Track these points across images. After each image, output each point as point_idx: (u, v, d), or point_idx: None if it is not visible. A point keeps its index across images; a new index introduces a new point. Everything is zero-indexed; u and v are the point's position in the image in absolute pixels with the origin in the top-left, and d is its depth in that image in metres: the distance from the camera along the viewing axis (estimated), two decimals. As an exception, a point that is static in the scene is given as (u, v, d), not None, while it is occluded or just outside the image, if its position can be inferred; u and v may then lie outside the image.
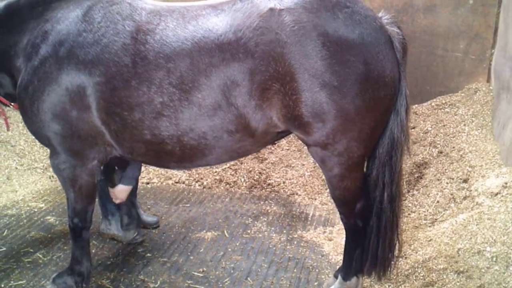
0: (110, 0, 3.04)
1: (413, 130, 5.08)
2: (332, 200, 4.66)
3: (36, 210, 4.65)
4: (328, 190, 4.91)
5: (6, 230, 4.28)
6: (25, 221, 4.45)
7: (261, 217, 4.57)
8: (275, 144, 5.88)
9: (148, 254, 3.96)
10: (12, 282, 3.57)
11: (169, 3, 3.10)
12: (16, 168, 5.35)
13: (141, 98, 2.84)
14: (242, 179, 5.27)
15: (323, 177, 5.16)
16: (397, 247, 3.21)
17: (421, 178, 4.61)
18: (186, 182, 5.26)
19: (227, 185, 5.20)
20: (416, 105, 5.40)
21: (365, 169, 3.10)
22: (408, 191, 4.53)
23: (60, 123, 3.02)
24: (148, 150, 3.03)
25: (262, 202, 4.86)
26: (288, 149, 5.72)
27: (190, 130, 2.88)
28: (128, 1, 3.04)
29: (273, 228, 4.38)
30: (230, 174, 5.33)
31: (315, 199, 4.91)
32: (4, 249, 4.00)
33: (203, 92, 2.78)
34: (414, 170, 4.69)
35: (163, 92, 2.81)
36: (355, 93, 2.70)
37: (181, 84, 2.79)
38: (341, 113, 2.73)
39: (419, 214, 4.17)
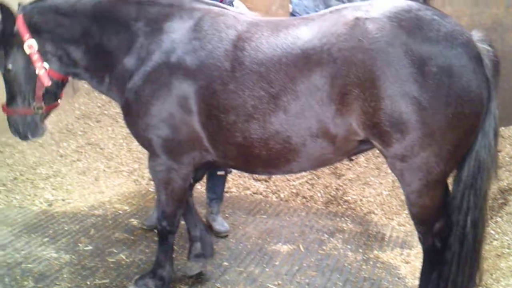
0: (218, 12, 3.24)
1: (498, 154, 4.92)
2: (410, 222, 4.65)
3: (121, 212, 4.89)
4: (406, 211, 4.89)
5: (92, 230, 4.52)
6: (110, 222, 4.68)
7: (337, 234, 4.58)
8: (353, 160, 5.88)
9: (225, 263, 4.07)
10: (96, 280, 3.77)
11: (270, 18, 3.34)
12: (104, 170, 5.63)
13: (236, 101, 3.00)
14: (319, 194, 5.30)
15: (402, 197, 5.11)
16: (477, 276, 3.13)
17: (505, 204, 4.47)
18: (264, 193, 5.35)
19: (304, 199, 5.24)
20: (503, 128, 5.24)
21: (447, 189, 3.06)
22: (491, 218, 4.39)
23: (165, 127, 3.19)
24: (239, 153, 3.17)
25: (338, 219, 4.87)
26: (366, 166, 5.70)
27: (276, 134, 2.99)
28: (232, 14, 3.24)
29: (349, 246, 4.38)
30: (307, 188, 5.37)
31: (393, 219, 4.86)
32: (91, 247, 4.23)
33: (288, 96, 2.91)
34: (498, 196, 4.56)
35: (254, 96, 2.97)
36: (436, 105, 2.68)
37: (270, 88, 2.94)
38: (421, 125, 2.72)
39: (502, 242, 4.04)
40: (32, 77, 3.40)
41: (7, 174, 5.32)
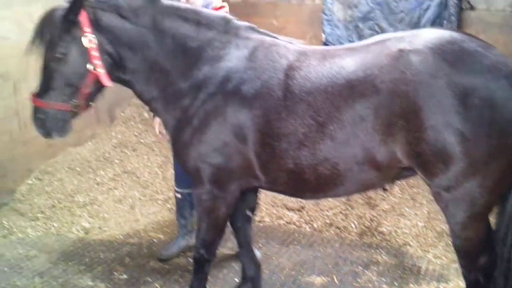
0: (271, 42, 3.32)
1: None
2: (447, 255, 4.57)
3: (155, 240, 4.94)
4: (442, 244, 4.82)
5: (127, 258, 4.58)
6: (145, 250, 4.73)
7: (372, 266, 4.53)
8: (387, 190, 5.82)
9: (259, 295, 4.06)
10: (132, 309, 3.82)
11: (316, 46, 3.48)
12: (139, 198, 5.71)
13: (288, 129, 3.08)
14: (353, 225, 5.25)
15: (438, 229, 5.04)
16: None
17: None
18: (297, 223, 5.33)
19: (337, 230, 5.20)
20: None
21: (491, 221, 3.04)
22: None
23: (217, 155, 3.22)
24: (289, 179, 3.22)
25: (372, 250, 4.81)
26: (401, 197, 5.64)
27: (325, 160, 3.05)
28: (283, 44, 3.32)
29: (383, 279, 4.32)
30: (341, 219, 5.34)
31: (429, 251, 4.77)
32: (125, 276, 4.29)
33: (335, 125, 2.99)
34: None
35: (304, 124, 3.04)
36: (479, 137, 2.70)
37: (317, 117, 3.02)
38: (464, 156, 2.73)
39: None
40: (83, 72, 3.23)
41: (45, 201, 5.46)
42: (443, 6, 6.79)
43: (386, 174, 3.08)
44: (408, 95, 2.79)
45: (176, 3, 3.44)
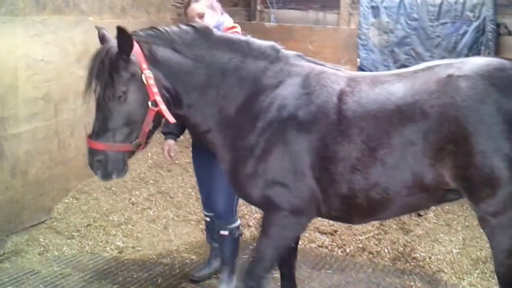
0: (321, 69, 3.35)
1: None
2: (482, 282, 4.46)
3: (188, 261, 4.97)
4: (478, 271, 4.71)
5: (160, 278, 4.62)
6: (177, 271, 4.77)
7: (405, 293, 4.46)
8: (421, 215, 5.74)
9: (290, 318, 4.02)
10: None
11: (363, 72, 3.53)
12: (173, 218, 5.78)
13: (343, 153, 3.09)
14: (386, 250, 5.18)
15: (473, 256, 4.94)
16: None
17: None
18: (329, 247, 5.29)
19: (370, 255, 5.14)
20: None
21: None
22: None
23: (284, 182, 3.17)
24: (342, 204, 3.22)
25: (406, 277, 4.73)
26: (435, 223, 5.55)
27: (376, 185, 3.08)
28: (332, 71, 3.36)
29: (416, 306, 4.25)
30: (374, 244, 5.28)
31: (463, 279, 4.66)
32: (157, 297, 4.33)
33: (385, 150, 3.01)
34: None
35: (357, 148, 3.07)
36: None
37: (369, 141, 3.04)
38: None
39: None
40: (144, 110, 3.11)
41: (81, 220, 5.56)
42: (481, 31, 6.75)
43: (433, 196, 3.12)
44: (457, 120, 2.83)
45: (226, 35, 3.44)
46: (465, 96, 2.83)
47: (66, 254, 5.01)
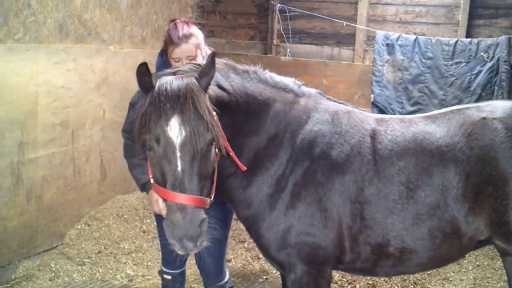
0: (348, 108, 3.26)
1: None
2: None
3: (197, 292, 4.96)
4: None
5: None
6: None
7: (415, 332, 4.41)
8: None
9: None
10: None
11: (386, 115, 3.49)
12: (183, 248, 5.77)
13: (380, 195, 2.95)
14: (396, 287, 5.14)
15: None
16: None
17: None
18: (339, 282, 5.26)
19: (380, 292, 5.10)
20: None
21: None
22: None
23: (311, 230, 2.94)
24: (372, 253, 3.01)
25: (416, 315, 4.69)
26: (447, 262, 5.50)
27: (412, 229, 2.94)
28: (358, 111, 3.28)
29: None
30: (384, 280, 5.23)
31: (475, 320, 4.63)
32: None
33: (425, 191, 2.93)
34: None
35: (395, 190, 2.95)
36: None
37: (408, 182, 2.96)
38: None
39: None
40: (214, 159, 2.72)
41: (92, 247, 5.59)
42: (494, 72, 6.80)
43: (465, 247, 3.03)
44: (498, 162, 2.84)
45: (248, 66, 3.13)
46: (504, 138, 2.86)
47: (76, 280, 5.03)
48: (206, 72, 2.64)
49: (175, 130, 2.51)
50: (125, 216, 6.21)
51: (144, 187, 3.44)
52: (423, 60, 7.15)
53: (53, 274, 5.09)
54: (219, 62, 2.95)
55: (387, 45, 7.39)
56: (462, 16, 7.26)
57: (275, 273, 5.19)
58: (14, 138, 5.00)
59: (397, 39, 7.33)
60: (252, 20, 8.47)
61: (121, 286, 4.98)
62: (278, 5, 8.08)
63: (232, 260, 5.51)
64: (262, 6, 8.39)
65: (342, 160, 2.99)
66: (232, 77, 2.98)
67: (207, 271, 3.76)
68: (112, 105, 6.19)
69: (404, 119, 3.21)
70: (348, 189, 2.95)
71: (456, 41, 7.02)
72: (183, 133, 2.51)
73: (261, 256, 5.61)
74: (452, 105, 6.83)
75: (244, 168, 2.88)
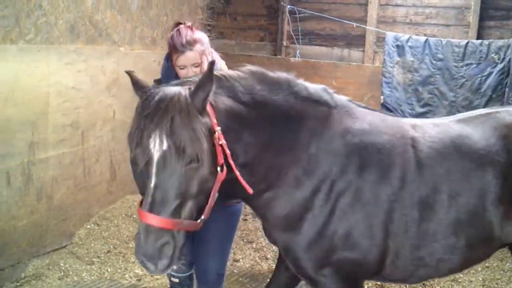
0: (382, 116, 3.11)
1: None
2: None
3: (205, 292, 4.96)
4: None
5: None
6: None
7: (423, 334, 4.39)
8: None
9: None
10: None
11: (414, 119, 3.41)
12: (192, 249, 5.78)
13: (423, 207, 2.86)
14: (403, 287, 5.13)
15: None
16: None
17: None
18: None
19: (389, 293, 5.09)
20: None
21: None
22: None
23: (354, 245, 2.81)
24: (411, 265, 2.93)
25: (424, 318, 4.67)
26: (456, 264, 5.47)
27: (452, 238, 2.88)
28: (391, 117, 3.17)
29: None
30: (393, 283, 5.22)
31: (483, 321, 4.60)
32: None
33: (466, 198, 2.88)
34: None
35: (438, 199, 2.88)
36: None
37: (450, 190, 2.89)
38: None
39: None
40: (212, 177, 2.49)
41: (101, 246, 5.63)
42: (505, 73, 6.76)
43: (491, 252, 3.04)
44: None
45: (281, 75, 2.91)
46: None
47: (85, 280, 5.06)
48: (202, 84, 2.43)
49: (151, 144, 2.36)
50: (134, 216, 6.23)
51: None
52: (433, 62, 7.12)
53: (62, 273, 5.12)
54: (245, 70, 2.78)
55: (397, 46, 7.37)
56: (472, 18, 7.23)
57: (283, 274, 5.18)
58: (25, 138, 5.04)
59: (407, 41, 7.31)
60: (262, 21, 8.50)
61: (130, 285, 5.01)
62: (288, 6, 8.10)
63: (241, 260, 5.52)
64: (272, 7, 8.42)
65: (386, 172, 2.83)
66: (257, 88, 2.74)
67: (208, 278, 3.53)
68: (122, 106, 6.22)
69: (437, 123, 3.14)
70: (393, 203, 2.82)
71: (467, 43, 6.99)
72: (159, 149, 2.35)
73: (269, 256, 5.63)
74: (463, 107, 6.84)
75: (251, 191, 2.62)
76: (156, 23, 7.06)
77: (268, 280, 5.02)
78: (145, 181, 2.42)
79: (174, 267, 2.42)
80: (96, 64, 5.89)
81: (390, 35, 7.44)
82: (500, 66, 6.77)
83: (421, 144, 2.94)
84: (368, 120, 2.97)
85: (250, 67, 2.83)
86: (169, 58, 3.33)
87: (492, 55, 6.83)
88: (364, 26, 7.75)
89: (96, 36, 5.94)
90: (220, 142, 2.47)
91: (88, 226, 5.94)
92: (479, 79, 6.85)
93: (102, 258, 5.44)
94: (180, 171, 2.35)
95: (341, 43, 8.07)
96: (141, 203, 2.44)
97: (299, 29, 8.19)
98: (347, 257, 2.82)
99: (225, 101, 2.61)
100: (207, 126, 2.45)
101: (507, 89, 6.73)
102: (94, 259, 5.41)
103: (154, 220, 2.31)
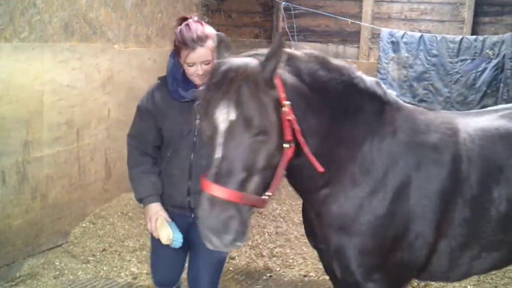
0: (422, 111, 3.01)
1: None
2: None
3: (201, 289, 4.96)
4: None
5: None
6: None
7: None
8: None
9: None
10: None
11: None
12: (188, 246, 5.78)
13: (475, 206, 2.82)
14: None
15: None
16: None
17: None
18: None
19: None
20: None
21: None
22: None
23: (411, 250, 2.73)
24: (452, 259, 2.88)
25: (420, 314, 4.68)
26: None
27: (499, 234, 2.86)
28: (432, 113, 3.07)
29: None
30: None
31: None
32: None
33: (503, 190, 2.84)
34: None
35: (488, 197, 2.84)
36: None
37: (491, 184, 2.84)
38: None
39: None
40: (279, 152, 2.36)
41: (97, 245, 5.61)
42: (500, 69, 6.78)
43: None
44: None
45: (342, 64, 2.75)
46: None
47: (80, 278, 5.05)
48: (272, 55, 2.31)
49: (218, 114, 2.26)
50: (130, 214, 6.23)
51: (142, 201, 3.21)
52: (428, 58, 7.14)
53: (57, 272, 5.10)
54: (311, 54, 2.64)
55: (392, 42, 7.39)
56: (467, 14, 7.26)
57: (279, 270, 5.20)
58: (20, 137, 5.02)
59: (402, 37, 7.33)
60: (257, 18, 8.50)
61: (125, 284, 5.00)
62: (283, 3, 8.09)
63: (236, 257, 5.52)
64: (267, 4, 8.41)
65: (440, 172, 2.75)
66: (319, 73, 2.59)
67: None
68: (117, 104, 6.20)
69: (482, 119, 3.06)
70: (447, 203, 2.74)
71: (462, 39, 7.02)
72: (226, 119, 2.24)
73: (264, 253, 5.63)
74: (457, 102, 6.87)
75: (321, 169, 2.50)
76: (151, 21, 7.04)
77: (264, 277, 5.08)
78: (209, 152, 2.34)
79: (238, 243, 2.26)
80: (90, 62, 5.86)
81: (385, 31, 7.45)
82: (494, 61, 6.79)
83: (471, 142, 2.85)
84: (418, 117, 2.86)
85: (312, 51, 2.69)
86: (175, 55, 3.11)
87: (487, 50, 6.86)
88: (359, 23, 7.76)
89: (90, 34, 5.92)
90: (288, 117, 2.34)
91: (84, 225, 5.92)
92: (474, 74, 6.88)
93: (98, 256, 5.43)
94: (247, 142, 2.24)
95: (336, 39, 8.08)
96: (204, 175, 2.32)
97: (294, 25, 8.19)
98: (400, 258, 2.72)
99: (292, 80, 2.49)
100: (275, 99, 2.33)
101: (501, 85, 6.76)
102: (90, 258, 5.40)
103: (220, 191, 2.20)
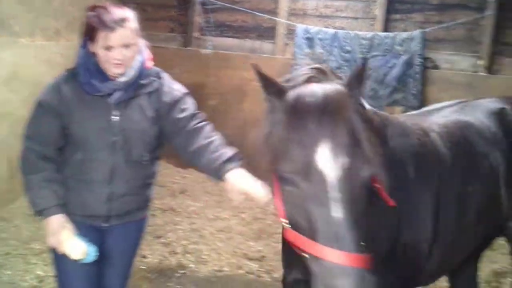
0: (404, 119, 2.99)
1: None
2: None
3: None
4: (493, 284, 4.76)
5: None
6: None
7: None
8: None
9: None
10: None
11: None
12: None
13: (469, 194, 2.91)
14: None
15: (486, 269, 4.96)
16: None
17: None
18: (257, 273, 5.25)
19: (298, 282, 5.13)
20: None
21: None
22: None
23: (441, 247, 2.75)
24: (454, 255, 2.97)
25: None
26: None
27: (478, 225, 2.98)
28: (402, 117, 3.21)
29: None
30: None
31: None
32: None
33: (485, 185, 3.02)
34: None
35: (471, 186, 2.93)
36: None
37: (465, 181, 2.92)
38: None
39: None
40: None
41: (0, 248, 5.32)
42: (409, 65, 6.99)
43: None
44: None
45: None
46: None
47: (-19, 284, 4.77)
48: (357, 79, 1.96)
49: (328, 160, 1.81)
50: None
51: (41, 213, 2.83)
52: (342, 54, 7.27)
53: (-45, 278, 4.81)
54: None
55: (307, 38, 7.47)
56: (379, 11, 7.44)
57: (193, 267, 5.12)
58: None
59: (317, 33, 7.42)
60: (172, 12, 8.35)
61: (31, 287, 4.77)
62: (199, -3, 8.01)
63: (149, 256, 5.39)
64: (183, -2, 8.29)
65: (427, 174, 2.69)
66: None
67: None
68: (21, 100, 5.90)
69: (442, 115, 3.19)
70: (437, 204, 2.71)
71: (373, 36, 7.18)
72: (340, 165, 1.82)
73: (178, 250, 5.53)
74: (369, 97, 7.02)
75: (393, 203, 2.19)
76: (61, 14, 6.76)
77: (177, 274, 4.99)
78: (310, 208, 1.83)
79: None
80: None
81: (300, 28, 7.52)
82: (404, 58, 7.00)
83: (441, 138, 2.87)
84: (393, 122, 2.74)
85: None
86: (86, 45, 2.81)
87: (397, 47, 7.06)
88: (275, 18, 7.79)
89: (-8, 27, 5.62)
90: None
91: (-14, 228, 5.61)
92: (384, 70, 7.06)
93: (0, 261, 5.14)
94: (362, 192, 1.86)
95: (253, 35, 8.08)
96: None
97: (211, 20, 8.11)
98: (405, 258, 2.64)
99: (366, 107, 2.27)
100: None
101: (411, 80, 6.97)
102: (-8, 262, 5.11)
103: (353, 260, 1.74)
